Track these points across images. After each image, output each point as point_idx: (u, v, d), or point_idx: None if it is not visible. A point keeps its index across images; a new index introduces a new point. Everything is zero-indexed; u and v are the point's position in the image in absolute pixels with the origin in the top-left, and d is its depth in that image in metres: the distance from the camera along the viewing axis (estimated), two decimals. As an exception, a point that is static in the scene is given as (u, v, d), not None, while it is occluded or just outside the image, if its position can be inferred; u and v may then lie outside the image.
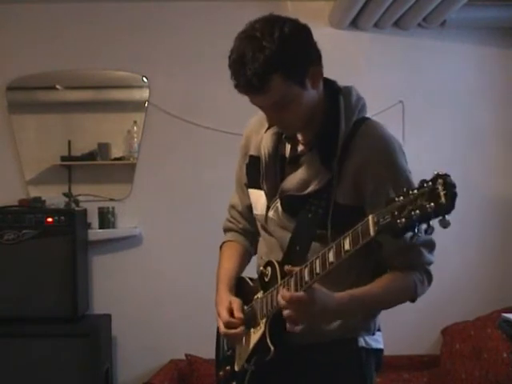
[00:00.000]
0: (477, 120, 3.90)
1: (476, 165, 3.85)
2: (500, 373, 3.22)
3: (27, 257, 3.37)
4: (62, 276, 3.39)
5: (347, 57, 3.78)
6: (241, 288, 1.85)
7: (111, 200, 3.78)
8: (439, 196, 1.18)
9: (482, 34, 3.89)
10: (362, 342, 1.70)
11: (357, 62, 3.81)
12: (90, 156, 3.80)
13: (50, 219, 3.39)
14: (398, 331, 3.54)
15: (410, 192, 1.24)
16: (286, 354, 1.63)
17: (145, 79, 3.80)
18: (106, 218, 3.71)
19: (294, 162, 1.71)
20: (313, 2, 3.77)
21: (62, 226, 3.40)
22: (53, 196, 3.69)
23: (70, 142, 3.81)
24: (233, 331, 1.70)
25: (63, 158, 3.80)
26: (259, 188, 1.78)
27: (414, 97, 3.84)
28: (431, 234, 1.23)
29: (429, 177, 1.26)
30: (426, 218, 1.20)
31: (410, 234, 1.24)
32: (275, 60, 1.50)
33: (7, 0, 3.72)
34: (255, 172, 1.79)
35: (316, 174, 1.63)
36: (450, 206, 1.17)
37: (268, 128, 1.77)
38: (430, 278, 1.67)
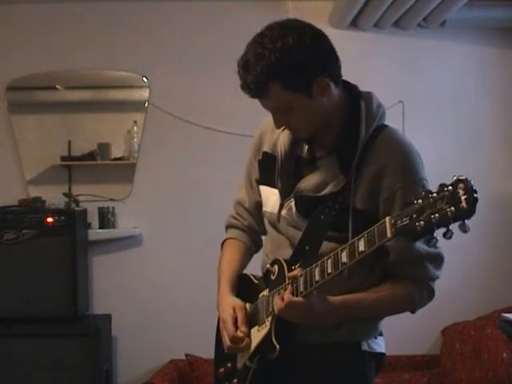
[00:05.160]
0: (477, 120, 3.90)
1: (476, 165, 3.84)
2: (500, 373, 3.22)
3: (27, 257, 3.37)
4: (61, 276, 3.39)
5: (347, 57, 3.75)
6: (244, 285, 1.84)
7: (111, 200, 3.78)
8: (460, 200, 1.18)
9: (482, 34, 3.89)
10: (365, 346, 1.70)
11: (357, 61, 3.80)
12: (90, 156, 3.80)
13: (50, 219, 3.39)
14: (398, 331, 3.53)
15: (430, 195, 1.23)
16: (290, 354, 1.63)
17: (145, 79, 3.80)
18: (106, 218, 3.71)
19: (311, 163, 1.71)
20: (313, 2, 3.77)
21: (62, 225, 3.39)
22: (53, 196, 3.69)
23: (69, 142, 3.81)
24: (237, 346, 1.69)
25: (63, 158, 3.80)
26: (272, 186, 1.77)
27: (414, 97, 3.84)
28: (450, 238, 1.21)
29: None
30: (445, 222, 1.20)
31: (427, 238, 1.24)
32: (272, 70, 1.54)
33: (7, 0, 3.72)
34: (269, 169, 1.78)
35: (333, 177, 1.63)
36: (470, 211, 1.17)
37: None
38: (430, 293, 1.67)
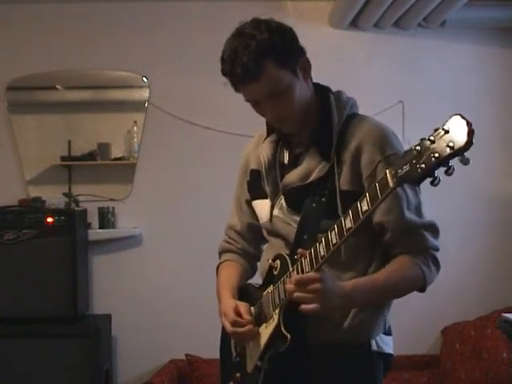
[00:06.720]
0: (477, 120, 3.83)
1: (476, 165, 3.81)
2: (500, 373, 3.22)
3: (27, 257, 3.37)
4: (62, 276, 3.39)
5: (347, 57, 3.78)
6: (246, 293, 1.83)
7: (111, 200, 3.78)
8: (457, 134, 1.18)
9: (482, 34, 3.89)
10: (374, 346, 1.69)
11: (357, 62, 3.81)
12: (90, 156, 3.80)
13: (50, 219, 3.39)
14: (398, 331, 3.52)
15: (427, 139, 1.23)
16: (299, 354, 1.63)
17: (145, 79, 3.80)
18: (106, 218, 3.71)
19: (293, 163, 1.74)
20: (313, 1, 3.77)
21: (62, 225, 3.39)
22: (53, 196, 3.69)
23: (70, 142, 3.81)
24: (241, 329, 1.69)
25: (63, 158, 3.80)
26: (263, 197, 1.80)
27: (413, 97, 3.84)
28: (451, 174, 1.21)
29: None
30: (445, 158, 1.20)
31: (430, 180, 1.23)
32: (266, 46, 1.59)
33: (7, 0, 3.72)
34: (258, 183, 1.81)
35: (316, 164, 1.67)
36: (468, 143, 1.17)
37: (266, 137, 1.82)
38: (436, 263, 1.65)
